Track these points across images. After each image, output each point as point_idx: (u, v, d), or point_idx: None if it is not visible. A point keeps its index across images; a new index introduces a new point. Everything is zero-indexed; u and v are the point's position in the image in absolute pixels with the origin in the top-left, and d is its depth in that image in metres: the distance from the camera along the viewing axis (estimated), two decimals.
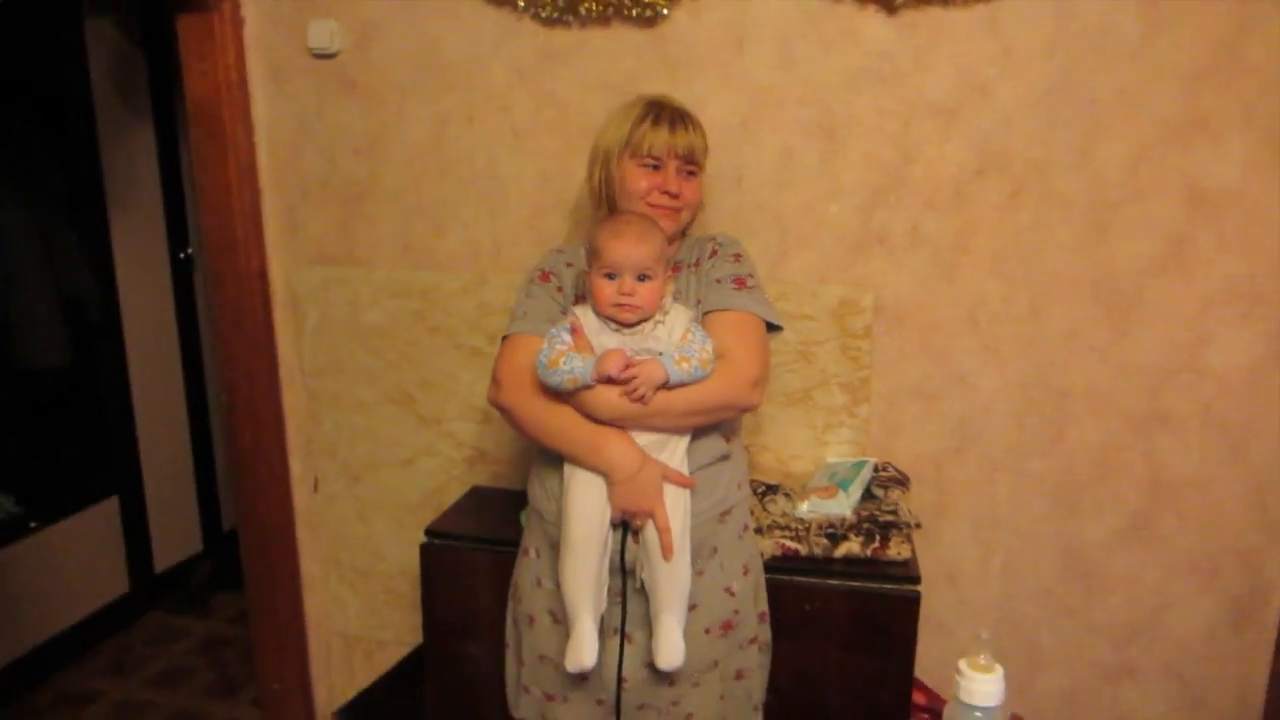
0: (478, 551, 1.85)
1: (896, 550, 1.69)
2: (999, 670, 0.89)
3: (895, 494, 1.85)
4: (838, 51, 1.78)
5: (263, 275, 2.18)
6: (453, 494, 2.17)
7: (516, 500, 1.80)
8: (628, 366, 1.33)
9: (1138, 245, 1.78)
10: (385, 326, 2.15)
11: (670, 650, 1.38)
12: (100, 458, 3.13)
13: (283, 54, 2.06)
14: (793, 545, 1.71)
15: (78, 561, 3.00)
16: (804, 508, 1.77)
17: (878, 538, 1.71)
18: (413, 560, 1.95)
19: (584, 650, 1.39)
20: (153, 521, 3.28)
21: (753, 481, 1.90)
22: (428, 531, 1.92)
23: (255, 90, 2.09)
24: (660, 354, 1.35)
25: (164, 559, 3.34)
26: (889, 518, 1.75)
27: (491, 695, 1.68)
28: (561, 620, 1.45)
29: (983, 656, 0.89)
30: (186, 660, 2.99)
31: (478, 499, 2.10)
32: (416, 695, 2.09)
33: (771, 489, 1.89)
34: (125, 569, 3.19)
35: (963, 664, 0.89)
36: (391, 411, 2.20)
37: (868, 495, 1.83)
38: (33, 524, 2.85)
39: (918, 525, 1.77)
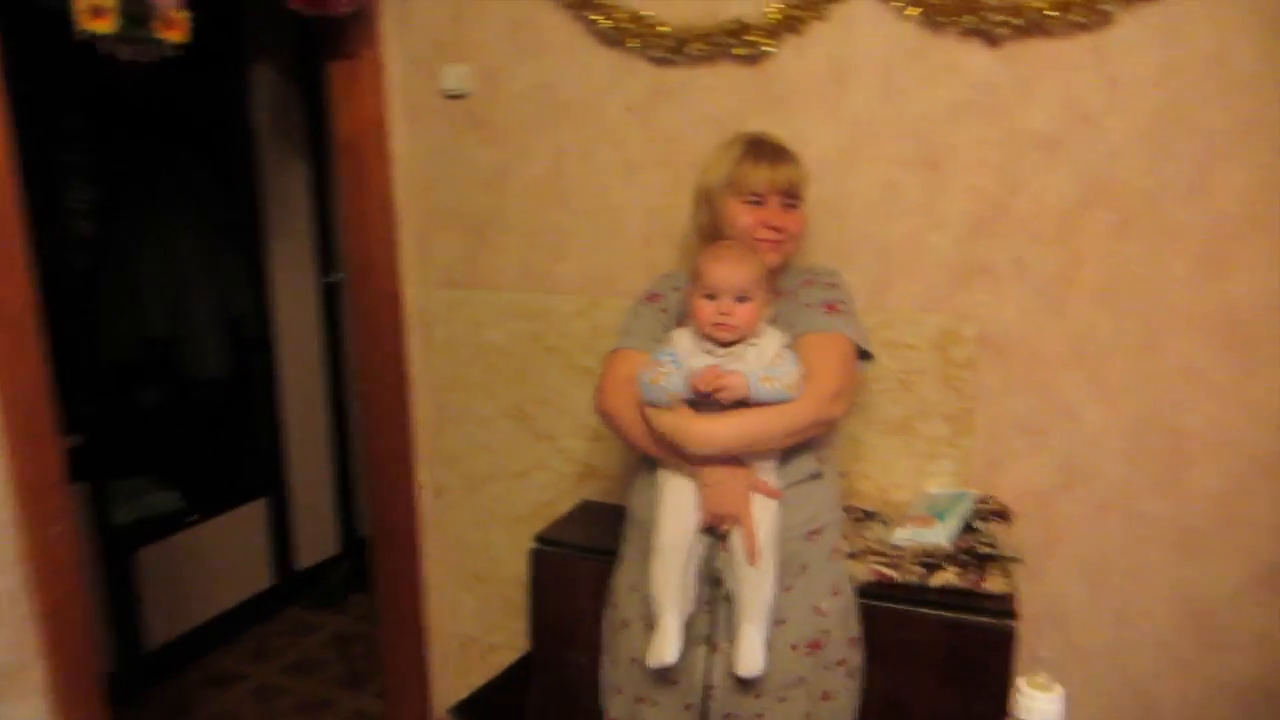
0: (583, 559, 1.94)
1: (994, 583, 1.68)
2: (1059, 690, 0.91)
3: (996, 528, 1.83)
4: (939, 84, 1.81)
5: (396, 296, 2.36)
6: (563, 506, 2.27)
7: (623, 514, 1.88)
8: (716, 378, 1.41)
9: (1262, 278, 1.71)
10: (505, 346, 2.30)
11: (750, 658, 1.43)
12: (252, 462, 3.42)
13: (419, 96, 2.25)
14: (887, 572, 1.72)
15: (229, 555, 3.28)
16: (900, 535, 1.79)
17: (975, 570, 1.70)
18: (525, 568, 2.06)
19: (666, 647, 1.45)
20: (296, 523, 3.55)
21: (850, 507, 1.93)
22: (537, 538, 2.03)
23: (394, 128, 2.28)
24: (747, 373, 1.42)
25: (304, 558, 3.60)
26: (988, 550, 1.74)
27: (591, 697, 1.76)
28: (652, 627, 1.51)
29: (1042, 675, 0.91)
30: (320, 652, 3.21)
31: (586, 512, 2.20)
32: (524, 696, 2.20)
33: (868, 515, 1.91)
34: (269, 565, 3.46)
35: (1022, 682, 0.92)
36: (508, 426, 2.34)
37: (967, 528, 1.82)
38: (192, 518, 3.14)
39: (1019, 560, 1.75)
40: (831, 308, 1.56)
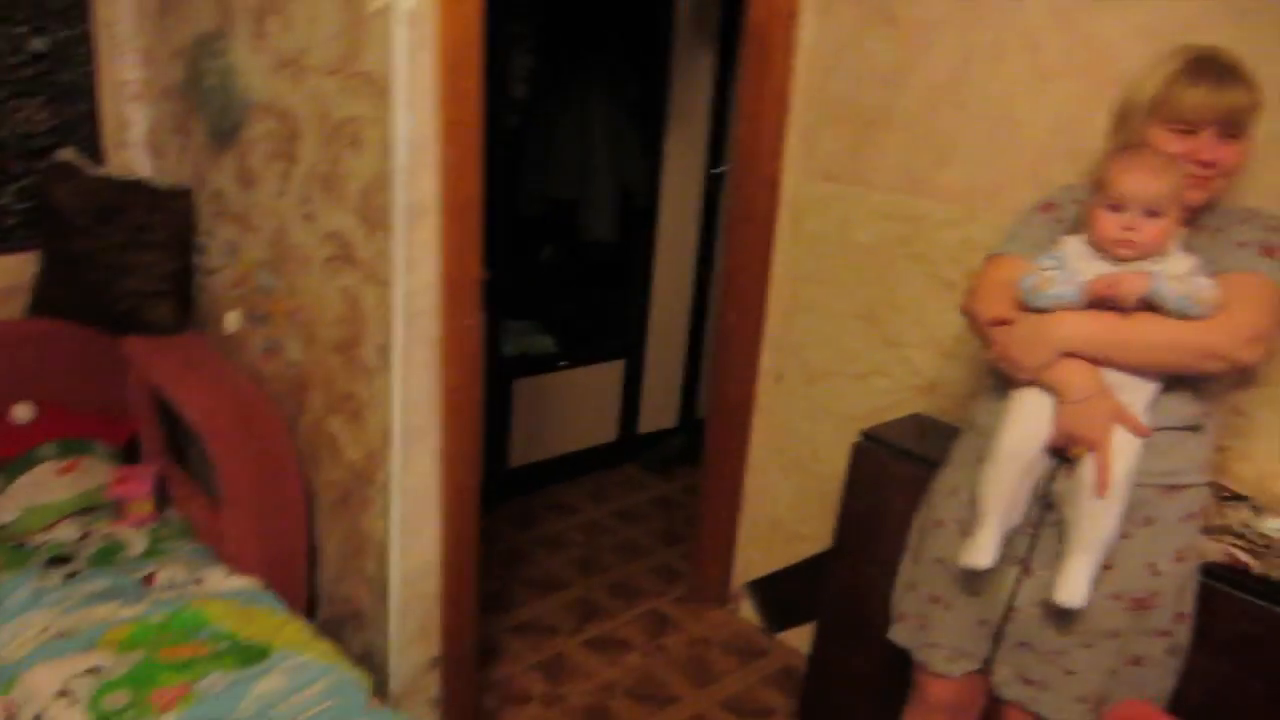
0: (904, 463, 1.94)
1: None
2: None
3: None
4: None
5: (774, 183, 2.44)
6: (896, 415, 2.25)
7: (954, 435, 1.82)
8: (1116, 279, 1.32)
9: None
10: (870, 246, 2.29)
11: (1072, 588, 1.37)
12: (619, 325, 3.76)
13: None
14: (1244, 557, 1.53)
15: (585, 404, 3.67)
16: (1273, 525, 1.58)
17: None
18: (844, 466, 2.09)
19: (982, 550, 1.43)
20: (646, 389, 3.86)
21: (1217, 484, 1.72)
22: (863, 433, 2.06)
23: (804, 17, 2.31)
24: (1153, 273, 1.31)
25: (646, 424, 3.92)
26: None
27: (880, 599, 1.78)
28: (968, 531, 1.48)
29: None
30: (645, 508, 3.53)
31: (918, 423, 2.17)
32: (814, 590, 2.27)
33: (1238, 498, 1.69)
34: (616, 422, 3.82)
35: None
36: (857, 326, 2.35)
37: None
38: (562, 363, 3.55)
39: None
40: (1270, 251, 1.37)
